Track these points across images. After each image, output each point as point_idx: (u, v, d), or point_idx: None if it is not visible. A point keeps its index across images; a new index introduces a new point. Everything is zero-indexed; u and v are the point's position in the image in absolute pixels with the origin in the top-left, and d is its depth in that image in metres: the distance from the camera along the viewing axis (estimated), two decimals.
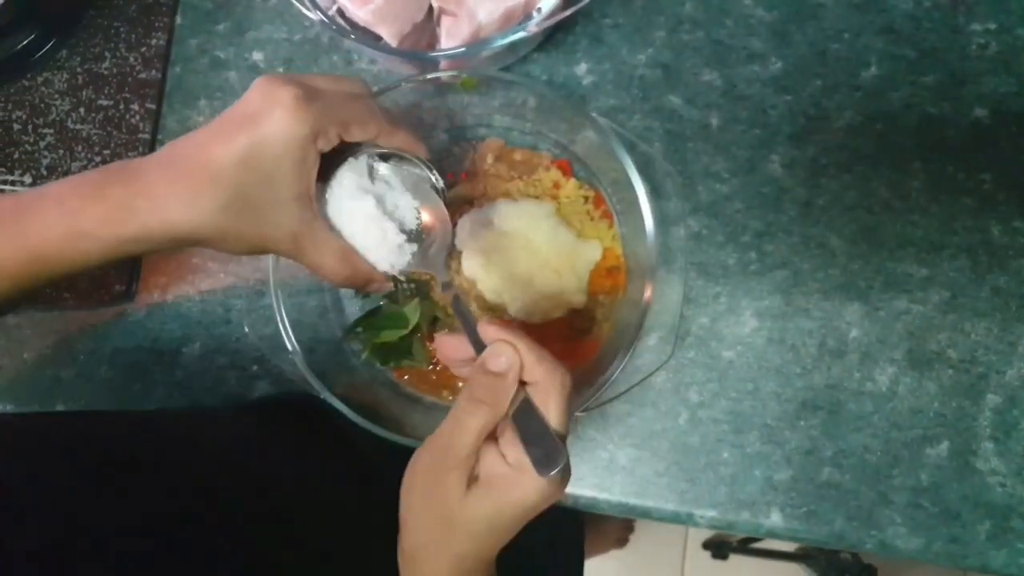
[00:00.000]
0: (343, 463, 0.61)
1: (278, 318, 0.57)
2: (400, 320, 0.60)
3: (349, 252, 0.46)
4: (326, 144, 0.43)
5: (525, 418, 0.40)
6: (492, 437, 0.41)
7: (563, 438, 0.40)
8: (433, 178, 0.49)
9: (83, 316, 0.67)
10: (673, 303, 0.58)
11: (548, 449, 0.39)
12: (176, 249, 0.41)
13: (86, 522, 0.37)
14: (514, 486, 0.39)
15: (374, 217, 0.46)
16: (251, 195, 0.41)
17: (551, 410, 0.39)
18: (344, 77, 0.45)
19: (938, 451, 0.57)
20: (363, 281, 0.48)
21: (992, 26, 0.60)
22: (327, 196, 0.46)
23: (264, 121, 0.40)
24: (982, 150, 0.59)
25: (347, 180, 0.46)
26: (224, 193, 0.40)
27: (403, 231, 0.47)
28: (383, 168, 0.48)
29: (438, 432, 0.41)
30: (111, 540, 0.37)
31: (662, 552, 1.52)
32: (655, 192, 0.60)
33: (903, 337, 0.58)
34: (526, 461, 0.39)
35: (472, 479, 0.40)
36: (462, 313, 0.44)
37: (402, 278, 0.48)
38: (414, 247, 0.48)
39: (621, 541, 1.48)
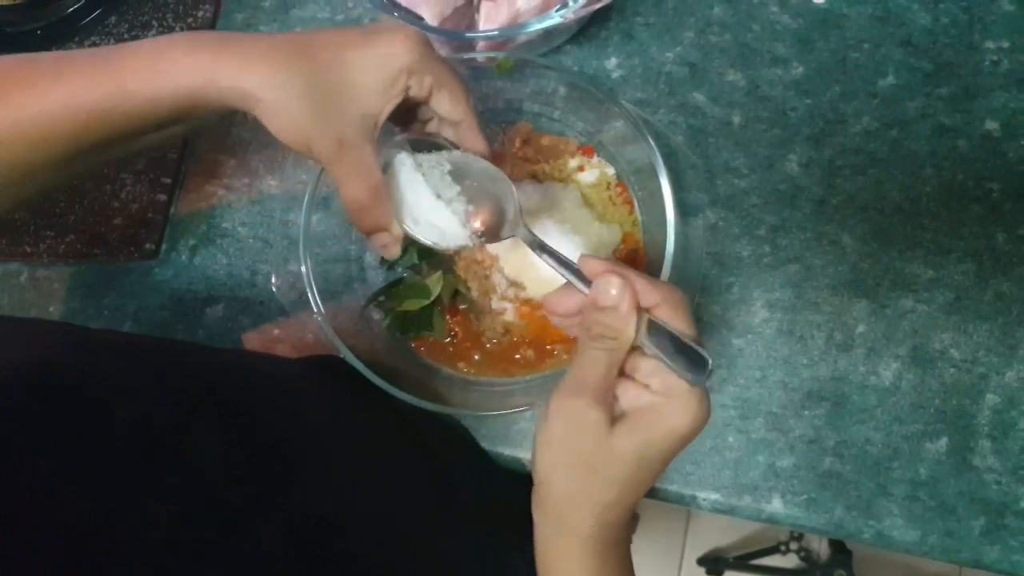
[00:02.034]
0: (393, 425, 0.61)
1: (306, 282, 0.58)
2: (422, 291, 0.62)
3: (381, 188, 0.45)
4: (417, 89, 0.44)
5: (658, 340, 0.38)
6: (625, 376, 0.40)
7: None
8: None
9: (111, 272, 0.69)
10: (688, 290, 0.60)
11: (691, 357, 0.37)
12: (233, 111, 0.41)
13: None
14: (663, 412, 0.38)
15: (440, 196, 0.47)
16: (332, 86, 0.41)
17: (681, 323, 0.39)
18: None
19: (937, 446, 0.59)
20: (374, 223, 0.47)
21: (1005, 44, 0.63)
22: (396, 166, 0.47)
23: (384, 35, 0.42)
24: (991, 161, 0.62)
25: (407, 160, 0.47)
26: (312, 67, 0.41)
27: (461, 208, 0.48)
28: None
29: (566, 380, 0.40)
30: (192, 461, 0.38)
31: (657, 568, 1.52)
32: (676, 182, 0.62)
33: (908, 335, 0.60)
34: (673, 381, 0.38)
35: (613, 419, 0.38)
36: (558, 258, 0.43)
37: (427, 241, 0.49)
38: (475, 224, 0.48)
39: None
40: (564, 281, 0.55)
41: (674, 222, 0.56)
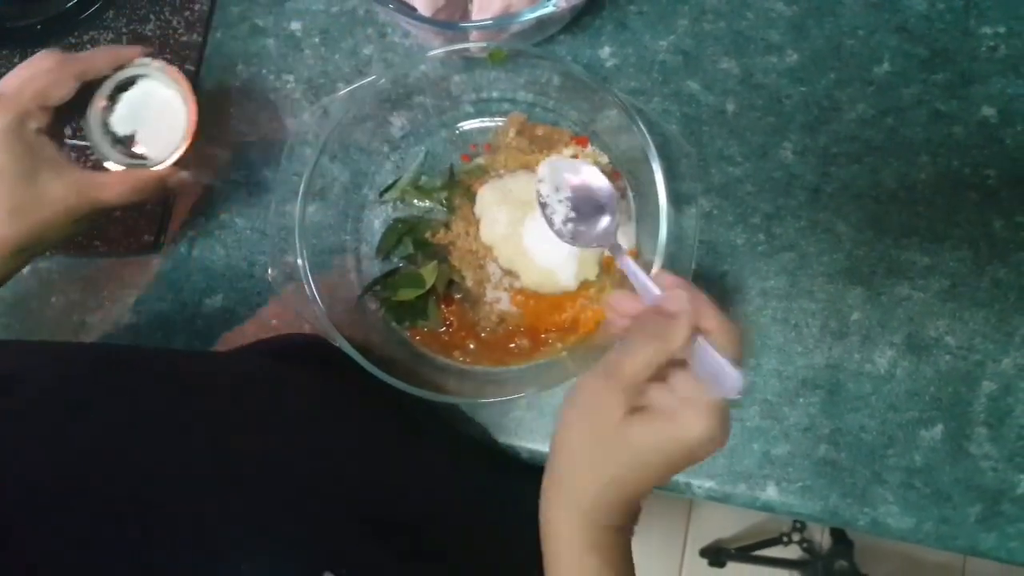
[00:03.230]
0: (392, 415, 0.62)
1: (301, 273, 0.59)
2: (417, 281, 0.63)
3: (126, 172, 0.55)
4: (40, 119, 0.52)
5: (699, 356, 0.41)
6: (661, 378, 0.41)
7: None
8: None
9: (111, 264, 0.70)
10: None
11: (721, 376, 0.40)
12: None
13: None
14: (680, 417, 0.39)
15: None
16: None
17: (728, 351, 0.40)
18: (28, 61, 0.53)
19: (932, 434, 0.59)
20: (151, 185, 0.56)
21: (1002, 30, 0.63)
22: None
23: None
24: (988, 147, 0.62)
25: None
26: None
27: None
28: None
29: (603, 361, 0.42)
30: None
31: (659, 559, 1.52)
32: (670, 171, 0.62)
33: (903, 322, 0.60)
34: (698, 393, 0.40)
35: (635, 409, 0.41)
36: (630, 265, 0.46)
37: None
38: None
39: None
40: (557, 271, 0.56)
41: (666, 210, 0.56)
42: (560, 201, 0.54)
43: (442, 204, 0.65)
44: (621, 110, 0.58)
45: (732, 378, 0.39)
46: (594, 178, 0.55)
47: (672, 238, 0.59)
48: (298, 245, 0.59)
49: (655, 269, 0.56)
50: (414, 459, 0.59)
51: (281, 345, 0.65)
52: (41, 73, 0.52)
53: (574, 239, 0.53)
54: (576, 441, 0.43)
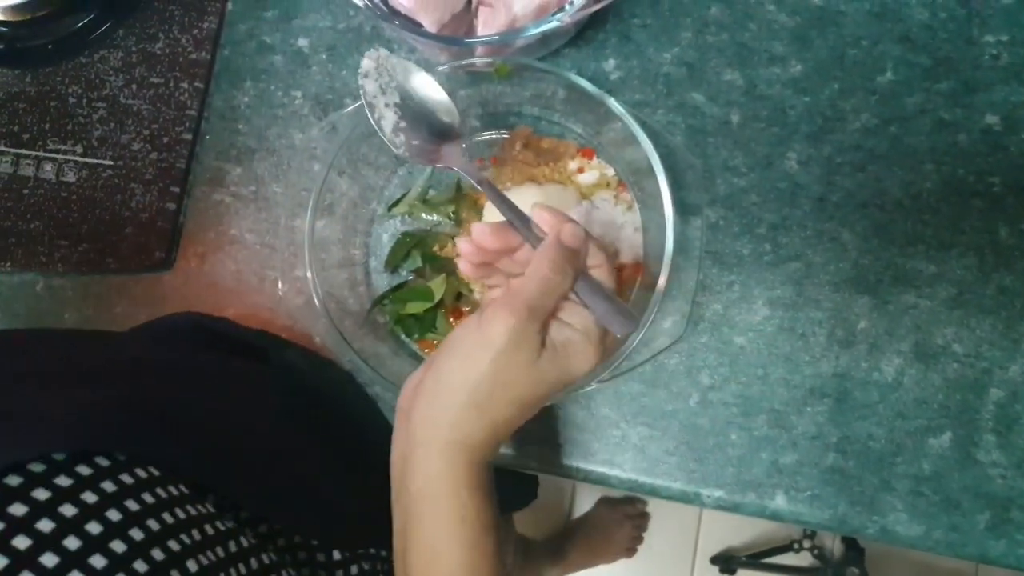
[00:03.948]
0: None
1: (311, 287, 0.60)
2: (426, 294, 0.63)
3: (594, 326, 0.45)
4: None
5: (592, 292, 0.44)
6: (552, 315, 0.44)
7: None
8: None
9: (123, 281, 0.71)
10: (688, 289, 0.60)
11: (615, 310, 0.43)
12: None
13: None
14: (579, 349, 0.43)
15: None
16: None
17: (605, 280, 0.44)
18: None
19: (941, 441, 0.59)
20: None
21: (1005, 38, 0.63)
22: None
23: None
24: (992, 155, 0.62)
25: None
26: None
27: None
28: None
29: (507, 297, 0.41)
30: None
31: (670, 566, 1.52)
32: (675, 183, 0.63)
33: (910, 330, 0.61)
34: (592, 326, 0.43)
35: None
36: (500, 197, 0.45)
37: None
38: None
39: (630, 551, 1.49)
40: None
41: (672, 221, 0.57)
42: (387, 106, 0.49)
43: (449, 217, 0.66)
44: (624, 121, 0.58)
45: (624, 316, 0.43)
46: (431, 90, 0.50)
47: (678, 249, 0.59)
48: (307, 259, 0.60)
49: (662, 280, 0.56)
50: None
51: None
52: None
53: (410, 154, 0.48)
54: (475, 376, 0.41)
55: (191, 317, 0.66)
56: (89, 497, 0.37)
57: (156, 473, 0.41)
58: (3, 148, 0.72)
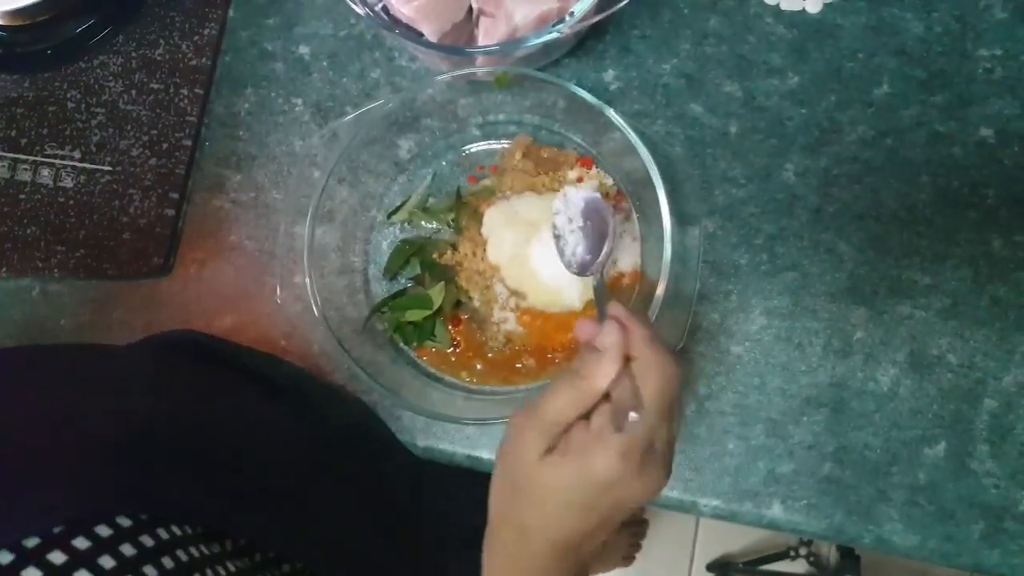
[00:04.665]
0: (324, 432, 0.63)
1: (309, 294, 0.60)
2: (425, 302, 0.63)
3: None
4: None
5: (621, 391, 0.39)
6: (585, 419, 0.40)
7: (665, 429, 0.39)
8: None
9: (120, 287, 0.70)
10: (685, 298, 0.61)
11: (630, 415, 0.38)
12: None
13: None
14: (587, 452, 0.38)
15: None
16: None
17: (648, 387, 0.39)
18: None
19: (936, 451, 0.60)
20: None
21: (998, 52, 0.64)
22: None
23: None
24: (986, 167, 0.63)
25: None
26: None
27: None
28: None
29: (532, 400, 0.41)
30: None
31: (668, 573, 1.52)
32: (674, 192, 0.63)
33: (905, 340, 0.61)
34: (604, 427, 0.38)
35: (551, 449, 0.39)
36: (601, 295, 0.48)
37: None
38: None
39: (627, 559, 1.48)
40: (563, 290, 0.57)
41: (670, 232, 0.57)
42: (572, 231, 0.56)
43: (449, 225, 0.66)
44: (623, 132, 0.59)
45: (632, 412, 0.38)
46: (602, 207, 0.56)
47: (676, 258, 0.60)
48: (307, 267, 0.60)
49: (660, 289, 0.57)
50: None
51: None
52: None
53: (580, 270, 0.55)
54: (499, 486, 0.41)
55: (191, 336, 0.65)
56: (103, 530, 0.35)
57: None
58: (0, 153, 0.72)
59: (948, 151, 0.63)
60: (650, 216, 0.62)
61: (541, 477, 0.39)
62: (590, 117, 0.63)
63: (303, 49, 0.71)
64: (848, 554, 1.37)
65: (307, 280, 0.60)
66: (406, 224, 0.68)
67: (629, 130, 0.57)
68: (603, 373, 0.39)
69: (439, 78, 0.61)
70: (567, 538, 0.40)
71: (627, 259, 0.64)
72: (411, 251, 0.66)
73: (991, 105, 0.63)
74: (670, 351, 0.40)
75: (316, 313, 0.60)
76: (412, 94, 0.63)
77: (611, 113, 0.58)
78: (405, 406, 0.58)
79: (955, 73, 0.64)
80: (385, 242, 0.68)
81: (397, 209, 0.67)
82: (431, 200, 0.68)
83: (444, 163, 0.68)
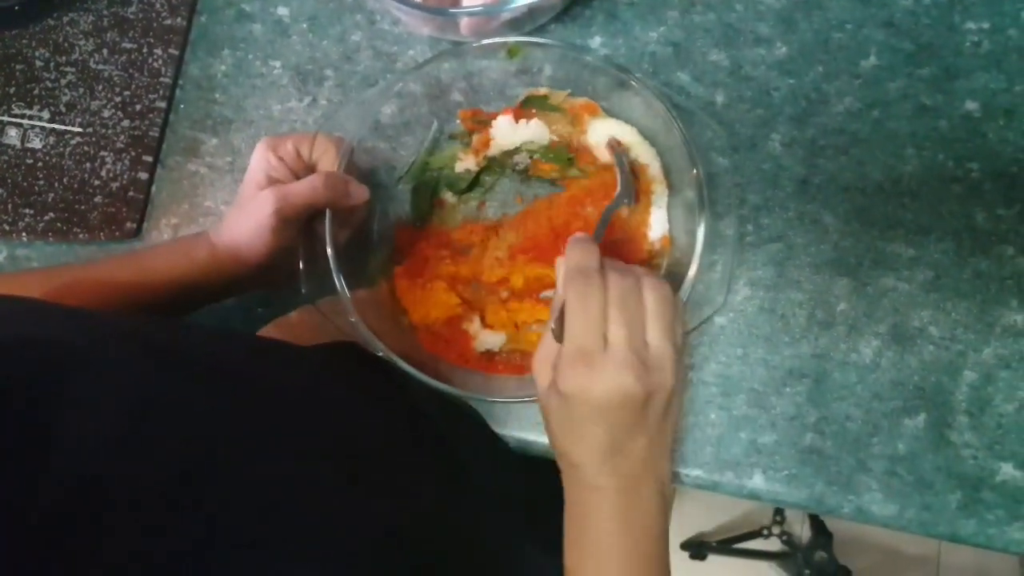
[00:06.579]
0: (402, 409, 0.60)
1: (337, 286, 0.55)
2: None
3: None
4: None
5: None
6: None
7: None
8: None
9: (92, 251, 0.68)
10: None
11: None
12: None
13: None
14: (593, 369, 0.44)
15: None
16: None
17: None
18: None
19: (915, 422, 0.60)
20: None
21: (986, 25, 0.64)
22: None
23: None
24: (971, 141, 0.63)
25: None
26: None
27: None
28: None
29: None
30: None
31: None
32: (666, 159, 0.62)
33: (888, 312, 0.61)
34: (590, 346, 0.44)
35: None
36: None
37: None
38: None
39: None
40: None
41: (704, 224, 0.55)
42: None
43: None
44: (642, 95, 0.57)
45: None
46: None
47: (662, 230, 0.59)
48: (333, 266, 0.55)
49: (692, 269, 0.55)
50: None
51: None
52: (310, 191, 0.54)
53: None
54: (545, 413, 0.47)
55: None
56: None
57: None
58: None
59: (934, 124, 0.63)
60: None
61: (547, 405, 0.45)
62: (579, 84, 0.62)
63: (282, 11, 0.69)
64: (821, 531, 1.39)
65: (330, 253, 0.55)
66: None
67: (653, 93, 0.56)
68: (589, 251, 0.46)
69: (447, 49, 0.58)
70: (604, 449, 0.45)
71: (658, 223, 0.62)
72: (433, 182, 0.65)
73: (977, 79, 0.63)
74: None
75: (339, 288, 0.55)
76: (435, 64, 0.60)
77: (632, 74, 0.56)
78: (422, 380, 0.55)
79: (942, 46, 0.64)
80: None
81: (408, 171, 0.65)
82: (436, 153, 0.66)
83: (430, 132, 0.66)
